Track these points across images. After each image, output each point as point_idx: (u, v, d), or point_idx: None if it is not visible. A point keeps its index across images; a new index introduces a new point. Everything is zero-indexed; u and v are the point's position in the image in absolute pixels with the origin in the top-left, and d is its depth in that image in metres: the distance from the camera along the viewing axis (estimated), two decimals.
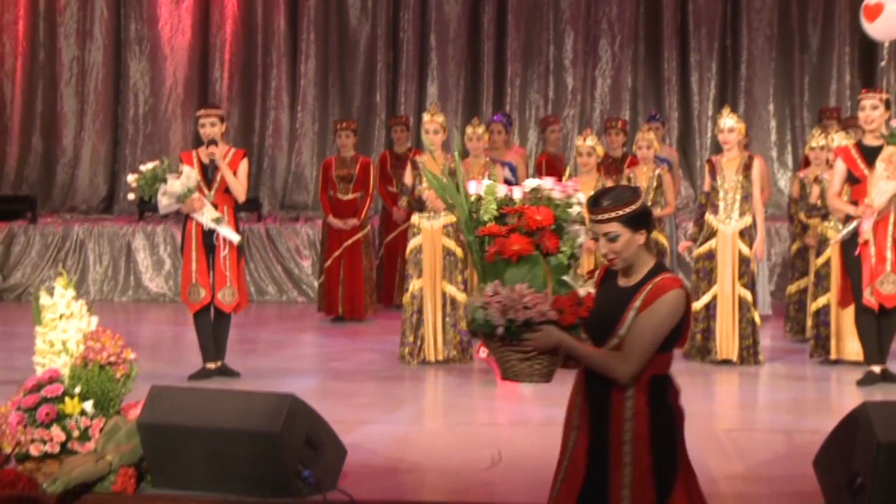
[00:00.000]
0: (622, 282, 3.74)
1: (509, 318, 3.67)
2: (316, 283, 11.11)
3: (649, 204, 9.14)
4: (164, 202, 7.44)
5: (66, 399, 4.94)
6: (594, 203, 3.74)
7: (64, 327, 5.24)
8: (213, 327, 7.69)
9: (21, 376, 5.33)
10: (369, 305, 10.49)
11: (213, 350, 7.68)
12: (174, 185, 7.35)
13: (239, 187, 7.64)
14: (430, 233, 8.30)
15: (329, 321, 10.38)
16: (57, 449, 4.86)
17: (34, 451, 4.86)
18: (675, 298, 3.64)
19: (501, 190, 3.93)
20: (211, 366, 7.65)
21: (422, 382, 7.82)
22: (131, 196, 7.77)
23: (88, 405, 4.95)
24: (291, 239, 12.11)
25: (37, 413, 4.89)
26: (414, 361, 8.20)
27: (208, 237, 7.58)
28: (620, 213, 3.67)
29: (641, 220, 3.69)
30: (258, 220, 12.42)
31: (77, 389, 4.98)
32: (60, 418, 4.89)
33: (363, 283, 10.41)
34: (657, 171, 9.23)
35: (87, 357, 5.09)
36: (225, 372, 7.67)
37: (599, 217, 3.70)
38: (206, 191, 7.58)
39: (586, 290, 3.83)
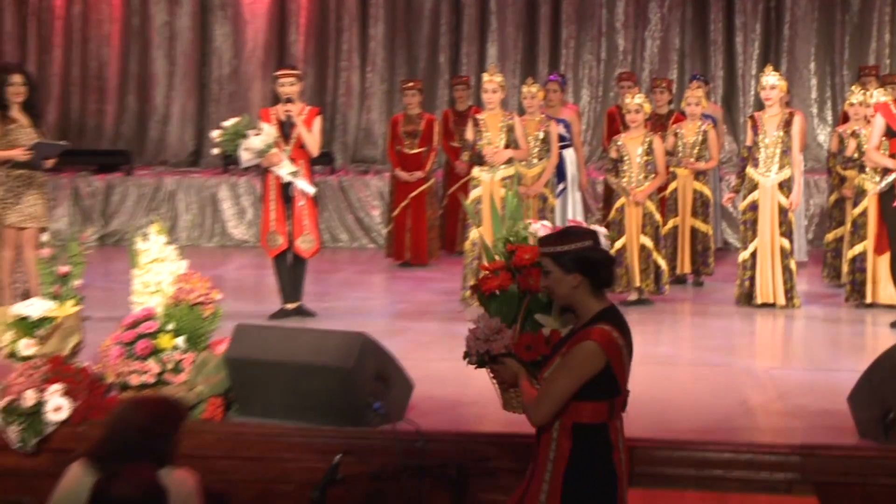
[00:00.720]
0: (576, 325, 3.55)
1: (477, 349, 3.64)
2: (384, 231, 11.15)
3: (694, 158, 9.05)
4: (246, 156, 7.47)
5: (161, 335, 5.01)
6: (544, 237, 3.62)
7: (157, 270, 5.31)
8: (291, 271, 7.75)
9: (120, 314, 5.41)
10: (433, 251, 10.49)
11: (290, 292, 7.75)
12: (254, 140, 7.38)
13: (313, 143, 7.65)
14: (489, 185, 8.26)
15: (396, 266, 10.40)
16: (153, 380, 4.94)
17: (133, 381, 4.95)
18: (587, 350, 3.37)
19: (541, 230, 3.91)
20: (289, 306, 7.72)
21: None
22: (215, 151, 7.81)
23: (181, 340, 5.02)
24: (362, 190, 12.14)
25: (135, 347, 4.97)
26: (475, 303, 8.18)
27: (286, 188, 7.62)
28: (551, 250, 3.48)
29: (576, 264, 3.44)
30: (331, 173, 12.45)
31: (170, 326, 5.05)
32: (156, 352, 4.96)
33: (427, 231, 10.42)
34: (703, 127, 9.11)
35: (178, 297, 5.15)
36: (302, 312, 7.74)
37: (539, 250, 3.56)
38: (283, 146, 7.60)
39: (554, 329, 3.67)
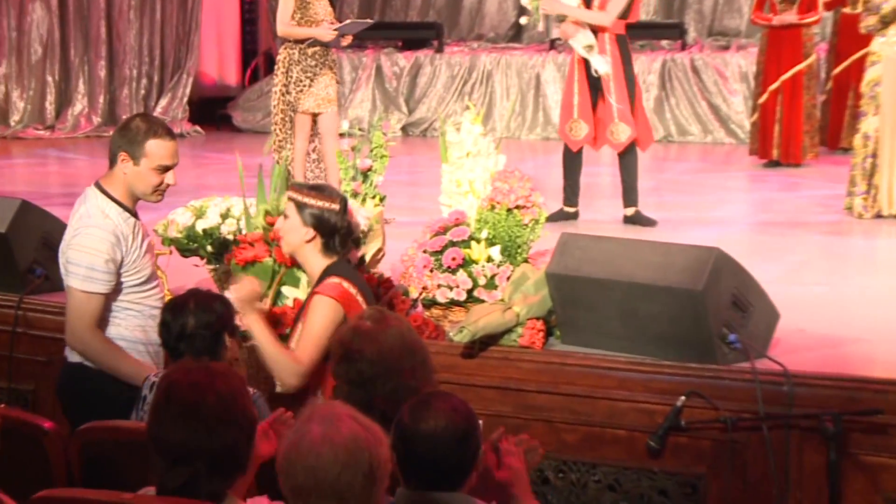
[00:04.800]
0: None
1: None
2: (747, 123, 10.95)
3: None
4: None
5: (473, 244, 5.14)
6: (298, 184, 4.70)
7: (470, 166, 5.43)
8: (623, 170, 7.76)
9: (426, 217, 5.60)
10: (809, 148, 10.27)
11: (575, 193, 7.80)
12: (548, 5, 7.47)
13: (604, 16, 7.48)
14: (894, 61, 7.85)
15: (761, 166, 10.25)
16: (463, 296, 5.08)
17: (440, 297, 5.13)
18: (322, 306, 4.15)
19: None
20: (570, 209, 7.77)
21: (874, 239, 7.56)
22: (523, 20, 7.93)
23: (495, 251, 5.13)
24: (720, 71, 11.90)
25: (443, 257, 5.14)
26: (866, 214, 7.91)
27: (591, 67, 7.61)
28: (298, 198, 4.36)
29: (314, 220, 4.32)
30: (682, 49, 12.28)
31: (484, 234, 5.17)
32: (466, 264, 5.11)
33: (803, 123, 10.17)
34: None
35: (494, 199, 5.26)
36: (639, 220, 7.74)
37: (288, 193, 4.46)
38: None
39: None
